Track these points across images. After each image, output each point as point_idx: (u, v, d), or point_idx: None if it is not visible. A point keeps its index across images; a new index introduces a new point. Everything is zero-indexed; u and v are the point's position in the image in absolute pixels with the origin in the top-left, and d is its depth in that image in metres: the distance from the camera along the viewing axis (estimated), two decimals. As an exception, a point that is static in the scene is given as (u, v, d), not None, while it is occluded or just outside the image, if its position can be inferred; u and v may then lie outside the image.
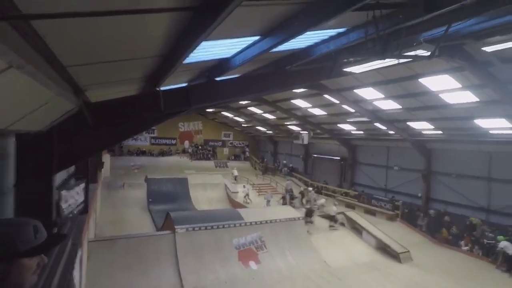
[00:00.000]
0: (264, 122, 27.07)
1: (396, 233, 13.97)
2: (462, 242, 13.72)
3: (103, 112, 5.31)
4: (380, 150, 20.77)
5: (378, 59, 4.62)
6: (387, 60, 5.53)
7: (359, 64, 6.06)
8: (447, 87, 10.90)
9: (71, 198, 7.07)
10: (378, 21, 4.23)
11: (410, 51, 4.70)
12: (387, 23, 4.36)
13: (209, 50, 4.94)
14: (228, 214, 12.98)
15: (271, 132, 30.58)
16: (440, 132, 15.51)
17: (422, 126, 15.67)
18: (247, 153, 34.21)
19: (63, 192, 6.17)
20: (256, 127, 30.91)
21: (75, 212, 7.40)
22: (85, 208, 8.50)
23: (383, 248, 12.89)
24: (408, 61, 6.63)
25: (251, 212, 13.92)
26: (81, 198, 8.22)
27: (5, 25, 1.44)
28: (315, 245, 12.48)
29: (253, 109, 23.61)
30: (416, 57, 4.79)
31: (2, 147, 4.19)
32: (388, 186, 20.03)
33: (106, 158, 21.05)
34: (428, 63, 7.44)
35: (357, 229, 14.50)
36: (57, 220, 5.26)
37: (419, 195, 17.78)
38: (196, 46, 2.85)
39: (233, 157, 33.28)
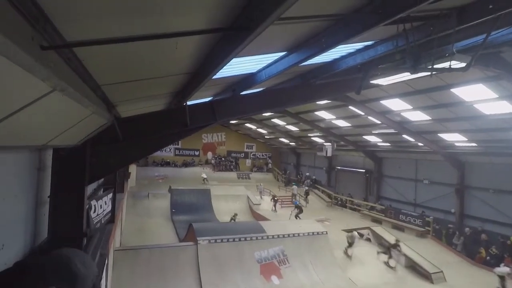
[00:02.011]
0: (287, 133, 26.95)
1: (427, 251, 13.16)
2: (502, 264, 12.65)
3: (132, 127, 5.50)
4: (408, 162, 19.91)
5: (410, 73, 4.45)
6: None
7: (386, 76, 5.89)
8: (481, 97, 10.33)
9: (99, 208, 7.33)
10: (408, 34, 4.11)
11: (442, 63, 4.51)
12: (417, 35, 4.22)
13: (235, 66, 5.01)
14: (250, 227, 12.87)
15: (294, 143, 30.36)
16: (474, 144, 14.64)
17: (455, 138, 14.88)
18: (269, 164, 34.09)
19: (92, 202, 6.41)
20: (279, 139, 30.84)
21: (103, 221, 7.65)
22: (112, 218, 8.78)
23: (413, 267, 12.17)
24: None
25: (273, 225, 13.72)
26: (108, 208, 8.50)
27: (52, 52, 1.53)
28: (339, 261, 12.03)
29: (276, 120, 23.63)
30: (450, 69, 4.58)
31: (41, 160, 4.45)
32: (418, 201, 19.05)
33: (133, 168, 21.76)
34: (460, 72, 7.11)
35: (385, 246, 13.84)
36: (87, 231, 5.43)
37: (452, 211, 16.73)
38: (225, 65, 2.90)
39: (256, 169, 33.26)
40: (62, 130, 3.19)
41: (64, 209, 4.74)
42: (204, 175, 26.93)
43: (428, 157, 18.16)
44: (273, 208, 21.18)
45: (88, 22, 1.78)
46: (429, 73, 4.53)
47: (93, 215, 6.46)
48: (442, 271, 11.56)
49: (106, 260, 6.97)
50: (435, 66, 4.46)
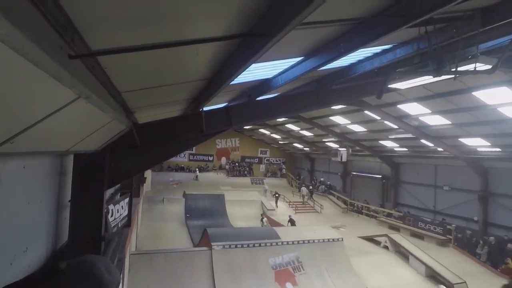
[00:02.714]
0: (301, 139, 26.77)
1: (448, 261, 12.64)
2: (531, 276, 11.98)
3: (149, 132, 5.59)
4: (427, 168, 19.31)
5: (431, 76, 4.31)
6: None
7: (405, 80, 5.75)
8: (506, 100, 9.93)
9: (116, 212, 7.46)
10: (430, 36, 3.99)
11: (465, 65, 4.34)
12: (440, 37, 4.09)
13: (252, 72, 5.03)
14: (265, 232, 12.78)
15: (308, 149, 30.10)
16: (498, 149, 14.05)
17: (477, 143, 14.34)
18: (283, 170, 33.90)
19: (110, 206, 6.52)
20: (293, 144, 30.66)
21: (119, 225, 7.78)
22: (128, 222, 8.92)
23: (434, 277, 11.70)
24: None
25: (288, 230, 13.60)
26: (125, 212, 8.64)
27: (78, 61, 1.56)
28: (355, 269, 11.73)
29: (290, 126, 23.54)
30: (475, 72, 4.40)
31: (62, 165, 4.58)
32: (437, 208, 18.41)
33: (148, 173, 22.12)
34: (482, 75, 6.86)
35: (403, 254, 13.43)
36: (105, 235, 5.52)
37: (475, 218, 16.05)
38: (244, 70, 2.90)
39: (269, 174, 33.15)
40: (84, 136, 3.27)
41: (83, 213, 4.85)
42: (198, 173, 29.61)
43: (449, 163, 17.56)
44: (275, 205, 22.13)
45: (112, 31, 1.82)
46: (452, 76, 4.37)
47: (110, 219, 6.57)
48: (465, 282, 11.06)
49: (123, 264, 7.07)
50: (459, 69, 4.31)
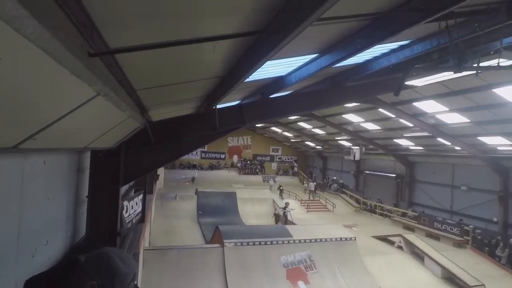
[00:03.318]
0: (313, 137, 26.55)
1: (466, 262, 12.29)
2: (554, 280, 11.51)
3: (163, 130, 5.65)
4: (443, 167, 18.80)
5: (452, 72, 4.16)
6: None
7: (423, 77, 5.58)
8: (528, 97, 9.53)
9: (131, 208, 7.62)
10: (451, 31, 3.85)
11: (487, 61, 4.17)
12: (461, 32, 3.94)
13: (266, 69, 5.00)
14: (276, 230, 12.76)
15: (320, 147, 29.83)
16: (519, 148, 13.54)
17: (497, 142, 13.83)
18: (295, 168, 33.74)
19: (125, 203, 6.66)
20: (305, 142, 30.45)
21: (133, 221, 7.95)
22: (142, 218, 9.10)
23: (451, 279, 11.40)
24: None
25: (300, 229, 13.51)
26: (139, 208, 8.81)
27: (97, 59, 1.59)
28: (369, 269, 11.56)
29: (302, 124, 23.38)
30: (498, 68, 4.22)
31: (80, 162, 4.70)
32: (454, 208, 17.91)
33: (161, 170, 22.44)
34: (503, 71, 6.59)
35: (418, 254, 13.15)
36: (121, 231, 5.64)
37: (495, 219, 15.53)
38: (259, 67, 2.88)
39: (281, 172, 33.09)
40: (101, 133, 3.34)
41: (100, 209, 4.97)
42: (195, 174, 28.11)
43: (466, 162, 17.04)
44: (280, 195, 23.22)
45: (130, 29, 1.84)
46: (474, 72, 4.21)
47: (125, 215, 6.72)
48: (484, 285, 10.73)
49: (138, 259, 7.22)
50: (481, 65, 4.13)
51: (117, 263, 1.10)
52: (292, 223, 13.31)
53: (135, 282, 1.20)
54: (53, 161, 3.44)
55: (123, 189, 7.31)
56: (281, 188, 24.44)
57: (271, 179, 28.93)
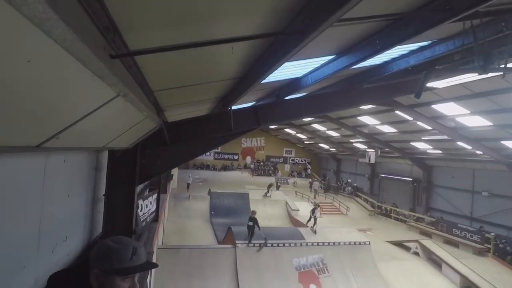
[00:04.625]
0: (327, 139, 26.27)
1: (487, 271, 11.81)
2: None
3: (178, 131, 5.71)
4: (463, 172, 18.16)
5: (475, 74, 3.99)
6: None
7: (443, 78, 5.40)
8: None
9: (145, 207, 7.74)
10: (476, 31, 3.70)
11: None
12: (487, 32, 3.78)
13: (282, 71, 4.97)
14: (289, 233, 12.70)
15: (334, 149, 29.48)
16: (546, 153, 12.91)
17: (521, 146, 13.26)
18: (308, 170, 33.46)
19: (139, 202, 6.77)
20: (319, 144, 30.16)
21: (148, 220, 8.08)
22: (156, 217, 9.23)
23: (470, 288, 11.00)
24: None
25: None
26: (153, 207, 8.95)
27: (117, 60, 1.61)
28: (383, 274, 11.31)
29: (316, 126, 23.16)
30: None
31: (98, 161, 4.81)
32: (474, 215, 17.27)
33: (174, 170, 22.68)
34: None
35: (435, 261, 12.76)
36: (136, 229, 5.73)
37: (518, 227, 14.87)
38: (276, 69, 2.86)
39: (295, 174, 32.90)
40: (119, 133, 3.40)
41: (116, 207, 5.06)
42: (190, 180, 24.08)
43: (488, 167, 16.39)
44: (268, 193, 23.03)
45: (150, 31, 1.86)
46: (500, 73, 4.03)
47: (140, 213, 6.83)
48: (505, 296, 10.30)
49: (151, 258, 7.32)
50: (508, 66, 3.95)
51: (109, 245, 1.20)
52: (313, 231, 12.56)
53: (144, 256, 1.26)
54: (73, 159, 3.53)
55: (138, 188, 7.44)
56: (271, 184, 24.46)
57: (284, 181, 28.89)
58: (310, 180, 30.17)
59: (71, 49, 0.95)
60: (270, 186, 23.15)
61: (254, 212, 12.45)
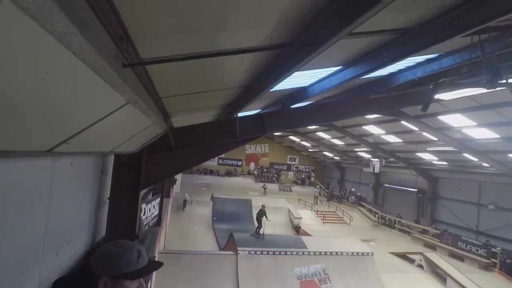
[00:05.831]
0: (332, 147, 26.18)
1: (493, 287, 11.57)
2: None
3: (184, 136, 5.74)
4: (469, 184, 17.93)
5: (486, 88, 3.98)
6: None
7: (449, 91, 5.38)
8: None
9: (148, 211, 7.75)
10: (484, 45, 3.69)
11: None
12: (495, 46, 3.77)
13: (289, 80, 5.01)
14: (291, 241, 12.57)
15: (338, 158, 29.35)
16: (554, 168, 12.71)
17: (529, 160, 13.09)
18: (312, 178, 33.30)
19: (143, 205, 6.79)
20: (323, 152, 30.06)
21: (150, 224, 8.08)
22: (158, 221, 9.24)
23: (476, 304, 10.76)
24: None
25: (315, 241, 13.23)
26: (156, 212, 8.96)
27: (129, 69, 1.65)
28: (387, 286, 11.11)
29: (321, 134, 23.12)
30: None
31: (104, 164, 4.85)
32: (480, 228, 16.98)
33: (178, 175, 22.72)
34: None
35: (440, 275, 12.52)
36: (139, 233, 5.73)
37: (525, 243, 14.57)
38: (284, 79, 2.89)
39: (299, 181, 32.77)
40: (126, 138, 3.44)
41: (120, 211, 5.08)
42: (187, 196, 21.07)
43: (495, 179, 16.17)
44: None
45: (161, 40, 1.90)
46: (509, 88, 4.00)
47: (143, 217, 6.84)
48: (512, 313, 10.04)
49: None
50: (513, 81, 3.93)
51: (113, 250, 1.20)
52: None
53: (146, 256, 1.27)
54: (80, 163, 3.57)
55: (142, 191, 7.47)
56: (264, 186, 26.75)
57: (287, 188, 29.02)
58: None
59: (88, 60, 0.98)
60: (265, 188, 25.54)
61: (264, 206, 13.42)
